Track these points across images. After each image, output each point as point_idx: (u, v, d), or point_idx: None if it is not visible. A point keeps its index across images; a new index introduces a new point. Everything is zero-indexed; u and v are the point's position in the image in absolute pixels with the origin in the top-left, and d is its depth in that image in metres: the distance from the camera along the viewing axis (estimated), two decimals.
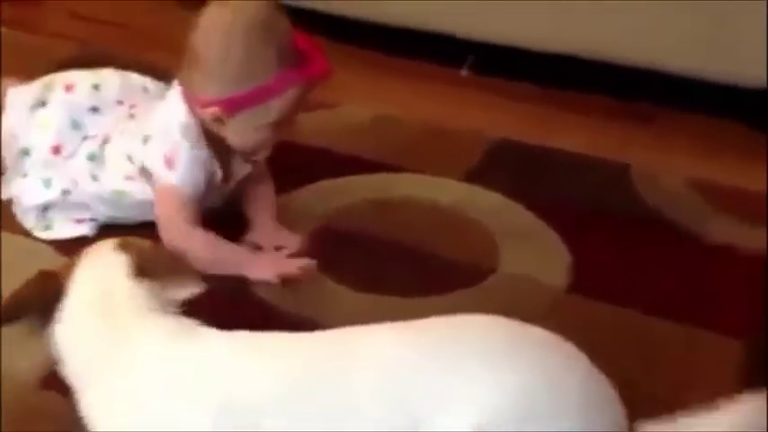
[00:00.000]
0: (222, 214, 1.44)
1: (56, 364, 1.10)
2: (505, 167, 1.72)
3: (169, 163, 1.31)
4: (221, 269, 1.27)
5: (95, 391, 0.90)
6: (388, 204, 1.56)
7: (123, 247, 0.98)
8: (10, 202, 1.45)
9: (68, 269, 0.97)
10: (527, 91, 2.09)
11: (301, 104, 1.35)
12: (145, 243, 1.03)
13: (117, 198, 1.39)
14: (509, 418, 0.80)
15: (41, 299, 0.95)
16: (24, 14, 2.47)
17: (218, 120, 1.29)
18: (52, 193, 1.39)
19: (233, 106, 1.28)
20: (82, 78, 1.48)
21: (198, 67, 1.28)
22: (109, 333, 0.91)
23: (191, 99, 1.31)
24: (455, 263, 1.40)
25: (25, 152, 1.43)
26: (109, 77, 1.50)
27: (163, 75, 1.56)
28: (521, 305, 1.29)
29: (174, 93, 1.35)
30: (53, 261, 1.31)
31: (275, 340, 0.90)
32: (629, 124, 1.96)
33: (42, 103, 1.45)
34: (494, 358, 0.84)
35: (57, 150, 1.41)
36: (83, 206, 1.41)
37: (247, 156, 1.39)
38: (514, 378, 0.82)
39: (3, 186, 1.47)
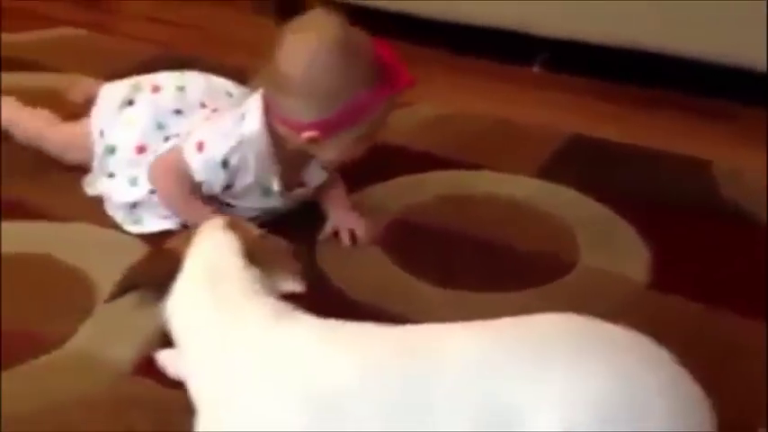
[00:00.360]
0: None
1: (150, 350, 1.15)
2: (579, 163, 1.72)
3: (199, 147, 1.35)
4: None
5: (203, 368, 0.93)
6: (464, 200, 1.57)
7: (233, 228, 1.01)
8: (98, 198, 1.50)
9: (183, 245, 1.00)
10: (600, 88, 2.08)
11: (388, 113, 1.37)
12: (252, 229, 1.05)
13: None
14: (593, 419, 0.80)
15: (157, 273, 0.99)
16: (103, 18, 2.55)
17: (313, 141, 1.32)
18: (139, 192, 1.44)
19: (329, 129, 1.30)
20: (168, 80, 1.52)
21: (289, 92, 1.29)
22: (218, 311, 0.94)
23: (278, 118, 1.33)
24: (534, 258, 1.41)
25: (111, 150, 1.47)
26: (194, 80, 1.54)
27: (243, 78, 1.59)
28: (601, 301, 1.29)
29: (255, 101, 1.36)
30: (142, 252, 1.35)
31: (363, 330, 0.92)
32: (706, 121, 1.93)
33: (130, 102, 1.50)
34: (576, 359, 0.83)
35: (141, 150, 1.45)
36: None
37: (329, 165, 1.42)
38: (598, 379, 0.81)
39: (89, 183, 1.53)
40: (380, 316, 1.23)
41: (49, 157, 1.61)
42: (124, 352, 1.16)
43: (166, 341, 1.14)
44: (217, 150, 1.34)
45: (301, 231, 1.40)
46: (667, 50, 2.00)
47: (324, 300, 1.29)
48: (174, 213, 1.41)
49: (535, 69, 2.20)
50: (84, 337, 1.19)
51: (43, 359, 1.15)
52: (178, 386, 1.08)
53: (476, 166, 1.68)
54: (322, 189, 1.49)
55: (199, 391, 0.94)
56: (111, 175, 1.47)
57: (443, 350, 0.85)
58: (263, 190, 1.41)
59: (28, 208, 1.48)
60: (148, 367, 1.14)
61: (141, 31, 2.42)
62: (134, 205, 1.45)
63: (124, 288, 1.00)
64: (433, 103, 1.95)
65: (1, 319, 1.21)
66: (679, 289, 1.32)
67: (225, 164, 1.34)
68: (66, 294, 1.27)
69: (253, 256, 0.98)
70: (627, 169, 1.70)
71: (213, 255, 0.98)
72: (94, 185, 1.51)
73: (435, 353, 0.85)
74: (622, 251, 1.42)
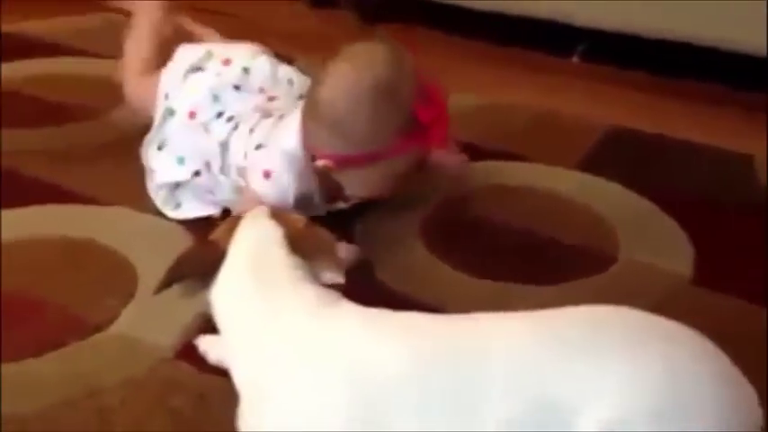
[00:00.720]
0: None
1: (192, 336, 1.16)
2: (620, 155, 1.70)
3: (266, 175, 1.33)
4: None
5: (246, 355, 0.93)
6: (505, 191, 1.56)
7: (277, 218, 1.02)
8: (139, 183, 1.50)
9: (227, 235, 1.01)
10: (639, 79, 2.06)
11: (418, 162, 1.34)
12: (296, 219, 1.06)
13: (237, 188, 1.42)
14: (645, 415, 0.79)
15: (202, 263, 1.00)
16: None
17: (329, 168, 1.30)
18: (184, 174, 1.44)
19: (342, 163, 1.28)
20: (238, 58, 1.51)
21: (316, 117, 1.28)
22: (262, 298, 0.94)
23: (307, 146, 1.32)
24: (575, 251, 1.39)
25: (170, 112, 1.47)
26: (260, 65, 1.51)
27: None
28: (643, 295, 1.27)
29: (293, 119, 1.34)
30: (182, 239, 1.37)
31: (411, 320, 0.91)
32: (748, 115, 1.90)
33: (198, 69, 1.49)
34: (628, 352, 0.82)
35: (192, 115, 1.44)
36: (209, 189, 1.45)
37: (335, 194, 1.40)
38: (651, 374, 0.80)
39: (145, 145, 1.50)
40: (417, 306, 1.22)
41: (90, 141, 1.61)
42: (166, 337, 1.17)
43: (208, 327, 1.15)
44: (282, 173, 1.32)
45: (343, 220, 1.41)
46: (707, 42, 1.97)
47: (361, 288, 1.30)
48: None
49: (575, 60, 2.18)
50: (127, 322, 1.20)
51: (86, 342, 1.16)
52: (218, 372, 1.10)
53: (516, 158, 1.67)
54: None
55: (242, 378, 0.95)
56: (160, 147, 1.46)
57: (492, 341, 0.85)
58: (306, 204, 1.39)
59: (69, 192, 1.49)
60: (189, 352, 1.14)
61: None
62: (176, 186, 1.45)
63: (171, 279, 1.01)
64: (474, 93, 1.94)
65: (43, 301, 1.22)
66: (723, 285, 1.30)
67: (290, 184, 1.32)
68: (109, 278, 1.28)
69: (296, 244, 0.98)
70: (667, 162, 1.69)
71: (257, 243, 0.99)
72: (146, 153, 1.49)
73: (484, 344, 0.85)
74: (665, 245, 1.41)
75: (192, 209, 1.44)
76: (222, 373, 1.08)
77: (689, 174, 1.64)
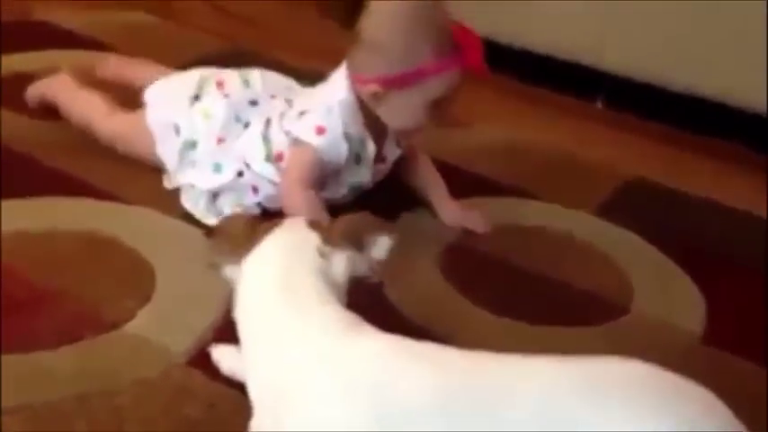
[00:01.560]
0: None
1: (206, 343, 1.17)
2: (637, 206, 1.71)
3: (320, 131, 1.39)
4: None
5: (266, 368, 0.94)
6: (521, 230, 1.57)
7: (314, 227, 1.03)
8: (176, 191, 1.50)
9: (267, 229, 1.02)
10: (661, 131, 2.08)
11: (456, 94, 1.41)
12: (333, 227, 1.05)
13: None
14: None
15: (239, 242, 1.01)
16: (172, 6, 2.58)
17: (375, 96, 1.37)
18: (223, 178, 1.45)
19: (389, 84, 1.35)
20: (231, 76, 1.53)
21: (361, 47, 1.37)
22: (288, 315, 0.94)
23: (353, 78, 1.39)
24: (588, 296, 1.40)
25: (192, 144, 1.48)
26: (255, 76, 1.54)
27: (304, 78, 1.61)
28: (654, 348, 1.27)
29: (339, 73, 1.43)
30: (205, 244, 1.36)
31: (437, 350, 0.92)
32: (762, 175, 1.92)
33: (197, 97, 1.50)
34: (639, 405, 0.83)
35: (221, 141, 1.46)
36: (253, 188, 1.46)
37: (400, 137, 1.48)
38: (660, 428, 0.81)
39: (168, 177, 1.51)
40: (429, 335, 1.23)
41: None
42: (180, 342, 1.17)
43: (222, 335, 1.17)
44: (335, 126, 1.39)
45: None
46: (730, 101, 2.00)
47: (375, 312, 1.31)
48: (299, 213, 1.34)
49: (599, 105, 2.20)
50: (142, 323, 1.20)
51: (101, 338, 1.17)
52: (230, 383, 1.10)
53: (533, 197, 1.68)
54: (409, 173, 1.56)
55: (258, 390, 0.95)
56: (193, 165, 1.48)
57: (520, 382, 0.85)
58: (356, 159, 1.45)
59: (89, 185, 1.50)
60: (202, 359, 1.15)
61: (209, 23, 2.45)
62: (215, 195, 1.46)
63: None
64: (495, 127, 1.96)
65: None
66: (733, 345, 1.31)
67: (347, 136, 1.40)
68: (128, 277, 1.29)
69: (344, 237, 1.00)
70: (684, 217, 1.70)
71: (290, 254, 0.99)
72: (174, 178, 1.50)
73: (512, 383, 0.86)
74: (678, 300, 1.42)
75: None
76: (233, 384, 1.10)
77: (704, 230, 1.65)
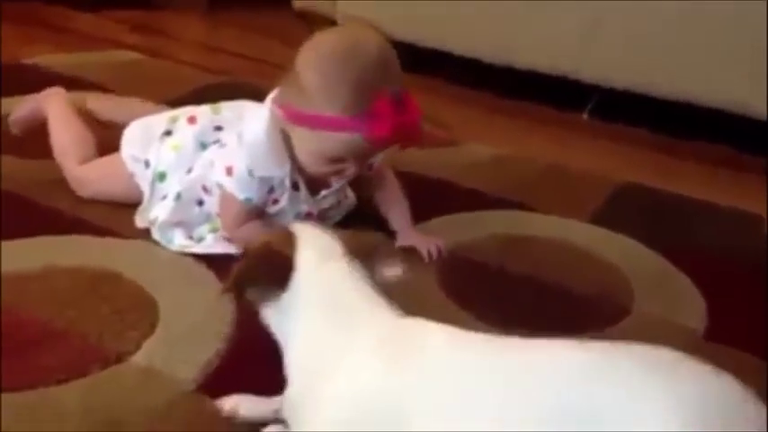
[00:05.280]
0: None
1: (212, 371, 1.16)
2: (630, 211, 1.73)
3: (228, 171, 1.40)
4: None
5: (313, 384, 0.95)
6: (517, 240, 1.58)
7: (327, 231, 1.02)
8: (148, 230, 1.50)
9: (287, 246, 0.99)
10: (646, 138, 2.10)
11: (364, 161, 1.39)
12: (342, 232, 1.04)
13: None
14: None
15: (272, 271, 0.98)
16: (161, 44, 2.60)
17: (288, 127, 1.36)
18: (183, 207, 1.46)
19: (297, 119, 1.33)
20: (203, 109, 1.55)
21: (290, 75, 1.34)
22: (336, 331, 0.95)
23: (279, 104, 1.37)
24: (589, 302, 1.41)
25: (161, 176, 1.50)
26: (228, 104, 1.55)
27: None
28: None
29: (252, 109, 1.43)
30: (203, 274, 1.38)
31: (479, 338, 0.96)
32: (751, 177, 1.94)
33: (168, 133, 1.52)
34: (671, 383, 0.85)
35: (190, 171, 1.48)
36: (214, 216, 1.47)
37: (318, 179, 1.44)
38: (691, 412, 0.83)
39: (140, 213, 1.52)
40: None
41: None
42: (187, 371, 1.17)
43: (227, 363, 1.18)
44: (240, 166, 1.38)
45: None
46: (717, 105, 2.02)
47: None
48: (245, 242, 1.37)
49: (584, 116, 2.23)
50: (148, 354, 1.20)
51: (106, 372, 1.16)
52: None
53: (527, 208, 1.70)
54: (377, 197, 1.55)
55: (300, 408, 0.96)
56: (163, 198, 1.50)
57: (546, 364, 0.88)
58: (293, 194, 1.44)
59: (90, 224, 1.50)
60: (209, 387, 1.15)
61: (198, 59, 2.47)
62: (188, 225, 1.48)
63: (240, 281, 1.00)
64: (486, 143, 1.98)
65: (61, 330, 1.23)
66: (735, 341, 1.32)
67: (251, 173, 1.38)
68: (130, 310, 1.29)
69: (357, 252, 1.00)
70: (677, 220, 1.72)
71: (321, 260, 0.99)
72: (145, 215, 1.51)
73: (543, 365, 0.88)
74: (678, 300, 1.43)
75: (216, 245, 1.46)
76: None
77: (697, 232, 1.67)
